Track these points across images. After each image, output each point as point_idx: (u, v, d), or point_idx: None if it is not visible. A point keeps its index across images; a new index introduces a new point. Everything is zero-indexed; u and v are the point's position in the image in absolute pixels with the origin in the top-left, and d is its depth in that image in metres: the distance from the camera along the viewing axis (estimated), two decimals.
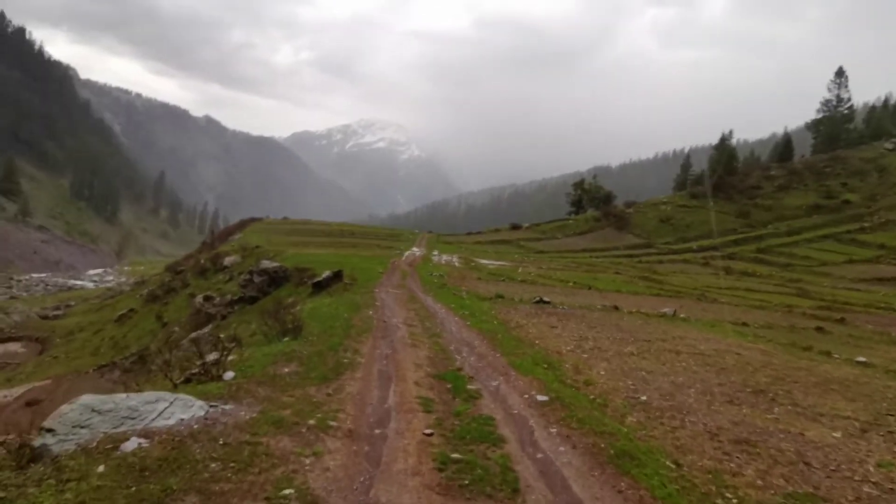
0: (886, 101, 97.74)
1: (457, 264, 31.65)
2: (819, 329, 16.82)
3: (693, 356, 10.39)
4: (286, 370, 7.89)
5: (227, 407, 6.20)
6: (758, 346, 11.77)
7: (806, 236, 58.48)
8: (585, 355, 10.17)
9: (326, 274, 17.30)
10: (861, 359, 11.15)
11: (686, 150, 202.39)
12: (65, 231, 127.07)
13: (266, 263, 23.27)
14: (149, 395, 5.92)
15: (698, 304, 21.72)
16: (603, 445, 5.74)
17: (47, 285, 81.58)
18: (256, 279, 22.52)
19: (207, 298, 25.04)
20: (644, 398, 7.64)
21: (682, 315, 15.96)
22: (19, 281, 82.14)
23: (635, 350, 10.62)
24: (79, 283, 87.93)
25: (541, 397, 7.35)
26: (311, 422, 5.86)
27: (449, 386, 7.84)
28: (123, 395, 5.81)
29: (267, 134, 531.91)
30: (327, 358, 8.75)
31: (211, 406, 6.11)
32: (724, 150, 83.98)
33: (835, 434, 6.67)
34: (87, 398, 5.44)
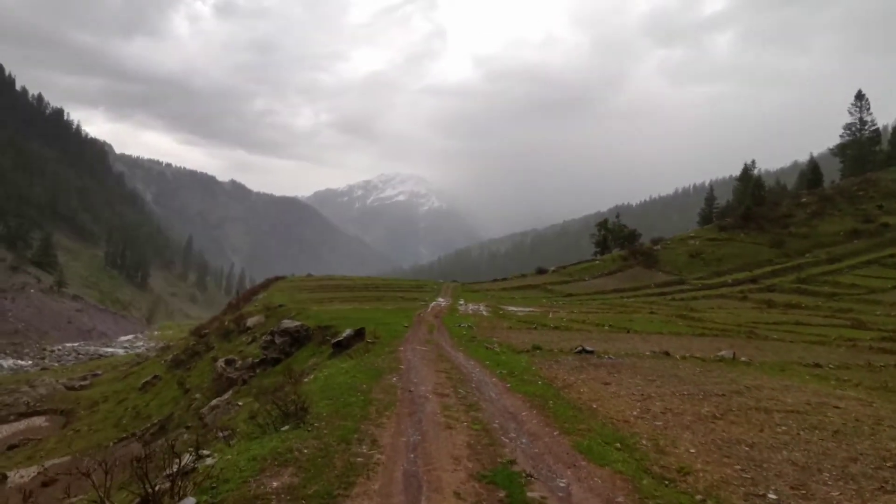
0: None
1: (485, 313, 30.45)
2: None
3: (788, 415, 8.69)
4: (275, 484, 5.87)
5: None
6: (850, 395, 10.14)
7: (849, 263, 55.62)
8: (659, 423, 8.46)
9: (347, 332, 16.27)
10: None
11: (707, 184, 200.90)
12: (98, 300, 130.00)
13: (287, 323, 22.52)
14: None
15: (750, 342, 19.96)
16: None
17: (79, 354, 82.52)
18: (278, 340, 21.72)
19: (229, 362, 24.26)
20: (772, 496, 5.76)
21: (742, 358, 14.36)
22: (52, 351, 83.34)
23: (716, 411, 8.90)
24: (110, 350, 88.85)
25: None
26: None
27: (502, 494, 5.83)
28: None
29: (290, 194, 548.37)
30: (335, 457, 6.75)
31: None
32: (749, 181, 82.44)
33: None
34: None
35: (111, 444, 23.40)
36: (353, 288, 53.23)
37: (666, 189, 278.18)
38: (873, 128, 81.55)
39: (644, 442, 7.55)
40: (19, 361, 73.06)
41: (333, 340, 16.36)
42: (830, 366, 14.32)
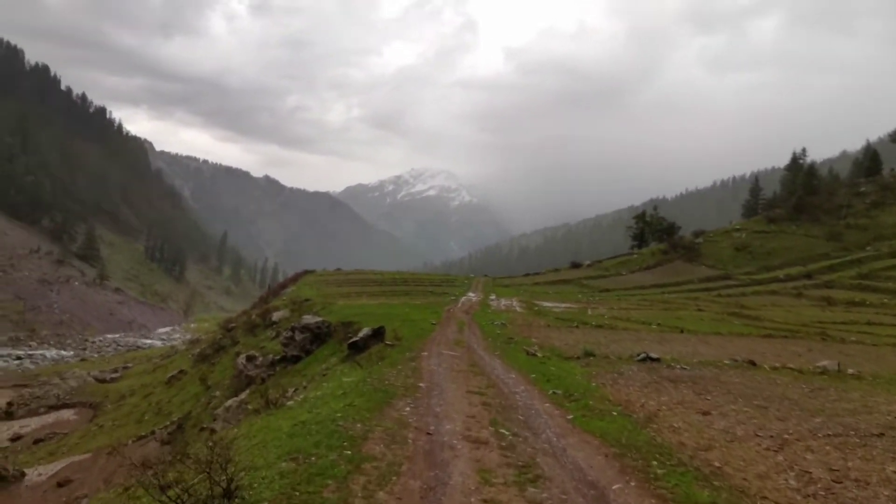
0: None
1: (518, 309, 28.56)
2: None
3: None
4: None
5: None
6: None
7: None
8: None
9: (364, 332, 14.53)
10: None
11: (747, 176, 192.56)
12: (139, 292, 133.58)
13: (308, 319, 21.17)
14: None
15: (828, 346, 17.47)
16: None
17: (119, 345, 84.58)
18: (298, 337, 20.41)
19: (250, 358, 23.13)
20: None
21: (849, 370, 11.81)
22: (93, 342, 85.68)
23: None
24: (148, 341, 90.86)
25: None
26: None
27: None
28: None
29: (322, 189, 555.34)
30: None
31: None
32: (798, 170, 77.46)
33: None
34: None
35: (130, 441, 22.67)
36: (381, 282, 52.09)
37: (703, 182, 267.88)
38: None
39: None
40: (62, 352, 75.22)
41: (349, 341, 14.75)
42: None
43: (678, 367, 11.32)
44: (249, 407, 13.40)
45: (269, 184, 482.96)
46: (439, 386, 9.86)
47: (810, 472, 6.07)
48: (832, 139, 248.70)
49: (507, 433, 7.25)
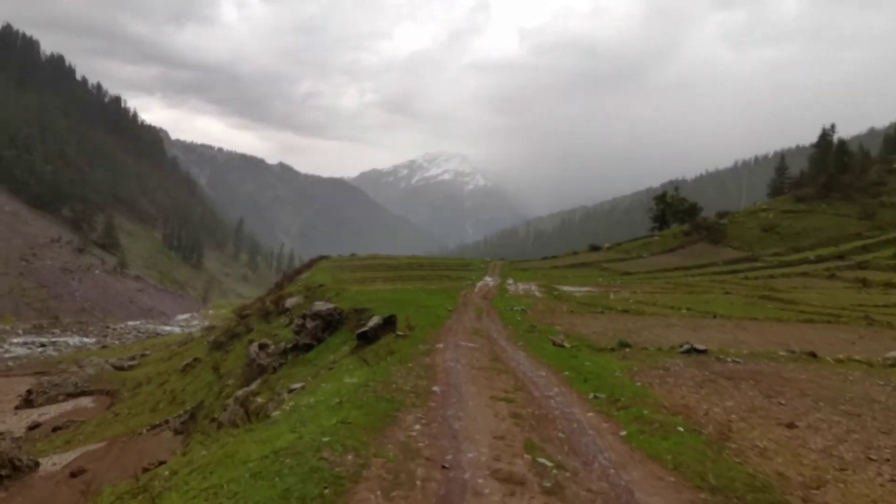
0: None
1: (538, 294, 27.52)
2: None
3: None
4: None
5: None
6: None
7: None
8: None
9: (374, 321, 13.60)
10: None
11: (770, 155, 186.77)
12: (157, 280, 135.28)
13: (320, 306, 20.43)
14: None
15: (879, 332, 16.16)
16: None
17: (139, 332, 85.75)
18: (309, 324, 19.69)
19: (262, 347, 22.55)
20: None
21: None
22: (114, 329, 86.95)
23: None
24: (168, 328, 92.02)
25: None
26: None
27: None
28: None
29: (337, 175, 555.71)
30: None
31: None
32: (828, 147, 74.43)
33: None
34: None
35: (144, 430, 22.36)
36: (396, 267, 51.38)
37: (724, 162, 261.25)
38: None
39: None
40: (84, 339, 76.40)
41: (359, 331, 13.90)
42: None
43: (729, 360, 10.07)
44: (259, 399, 12.66)
45: (284, 170, 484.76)
46: (457, 390, 8.26)
47: None
48: (859, 116, 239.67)
49: (548, 464, 5.48)
